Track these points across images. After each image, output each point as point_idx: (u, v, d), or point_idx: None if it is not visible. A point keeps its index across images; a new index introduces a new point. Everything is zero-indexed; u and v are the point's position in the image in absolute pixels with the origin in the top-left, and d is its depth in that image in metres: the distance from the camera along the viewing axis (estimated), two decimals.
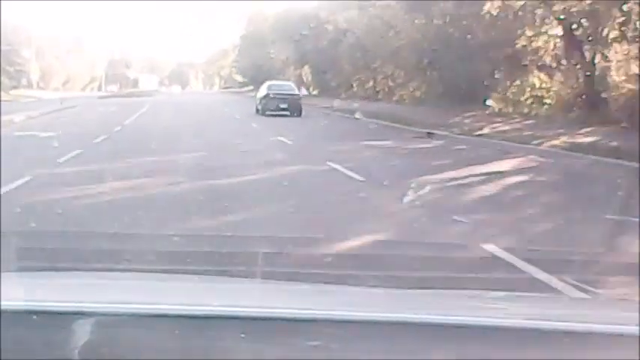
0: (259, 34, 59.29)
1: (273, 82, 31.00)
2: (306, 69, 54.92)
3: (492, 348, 1.15)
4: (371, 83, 41.10)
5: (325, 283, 3.02)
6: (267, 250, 5.35)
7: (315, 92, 51.48)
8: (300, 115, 26.73)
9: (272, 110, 26.63)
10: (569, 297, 1.87)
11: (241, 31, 67.63)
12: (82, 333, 1.13)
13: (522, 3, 20.98)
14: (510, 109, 23.77)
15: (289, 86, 30.12)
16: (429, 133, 18.74)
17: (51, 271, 2.82)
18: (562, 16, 19.51)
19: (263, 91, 29.10)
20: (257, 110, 28.14)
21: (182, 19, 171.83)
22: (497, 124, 20.09)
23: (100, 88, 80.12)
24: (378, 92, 38.61)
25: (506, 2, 21.25)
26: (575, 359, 1.14)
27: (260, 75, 51.98)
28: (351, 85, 43.84)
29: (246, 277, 3.17)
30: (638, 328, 1.18)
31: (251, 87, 68.51)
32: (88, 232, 6.18)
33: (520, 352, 1.15)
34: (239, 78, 77.21)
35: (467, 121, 21.74)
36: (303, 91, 46.68)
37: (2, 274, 1.67)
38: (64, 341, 1.12)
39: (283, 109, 26.56)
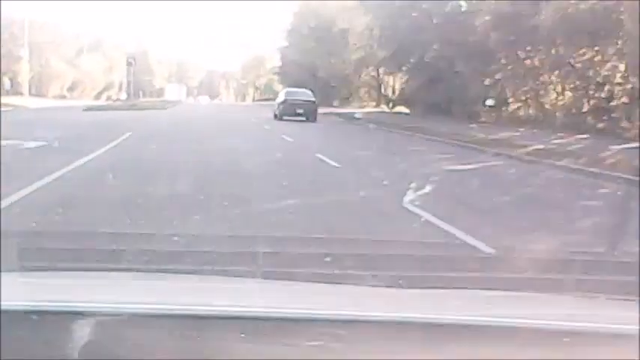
0: (316, 26, 44.75)
1: (291, 89, 34.31)
2: (391, 75, 39.72)
3: (492, 348, 1.15)
4: (569, 96, 21.09)
5: (325, 283, 3.02)
6: (267, 250, 5.35)
7: (406, 110, 35.30)
8: (314, 120, 28.84)
9: (289, 115, 28.67)
10: (569, 297, 1.87)
11: (287, 26, 53.09)
12: (82, 333, 1.12)
13: None
14: None
15: (306, 93, 32.05)
16: None
17: (51, 271, 2.82)
18: None
19: (281, 97, 31.55)
20: (275, 115, 30.16)
21: (215, 23, 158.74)
22: None
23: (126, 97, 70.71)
24: (601, 116, 18.58)
25: None
26: (575, 359, 1.14)
27: (313, 84, 38.08)
28: (505, 102, 24.19)
29: (246, 277, 3.17)
30: (638, 328, 1.18)
31: None
32: (88, 232, 6.17)
33: (520, 352, 1.15)
34: (280, 88, 64.04)
35: None
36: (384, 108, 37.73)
37: (2, 274, 1.67)
38: (64, 341, 1.12)
39: (299, 114, 28.71)
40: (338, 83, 44.99)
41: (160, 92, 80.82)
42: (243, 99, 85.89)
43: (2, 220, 5.74)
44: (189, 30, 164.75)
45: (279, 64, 60.34)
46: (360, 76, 45.60)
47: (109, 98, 68.20)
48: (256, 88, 80.00)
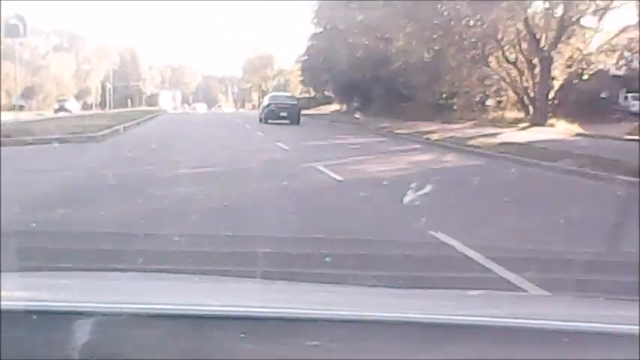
0: None
1: (275, 93, 36.48)
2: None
3: (492, 348, 1.16)
4: None
5: (325, 283, 3.03)
6: (267, 250, 5.36)
7: (577, 127, 21.06)
8: (298, 123, 30.09)
9: (273, 118, 30.23)
10: (569, 297, 1.88)
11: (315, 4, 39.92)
12: (82, 333, 1.13)
13: None
14: None
15: (289, 97, 34.58)
16: None
17: (51, 271, 2.82)
18: None
19: (265, 101, 33.22)
20: (260, 119, 31.79)
21: (212, 22, 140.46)
22: None
23: (103, 104, 58.58)
24: None
25: None
26: (575, 359, 1.14)
27: (365, 87, 27.83)
28: None
29: (246, 277, 3.17)
30: (638, 328, 1.18)
31: (337, 107, 39.87)
32: (88, 232, 6.17)
33: (520, 352, 1.16)
34: (299, 91, 48.56)
35: None
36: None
37: (2, 274, 1.67)
38: (64, 341, 1.12)
39: (283, 118, 30.18)
40: (423, 84, 26.65)
41: (152, 100, 71.63)
42: (243, 106, 74.56)
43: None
44: (184, 31, 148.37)
45: (306, 56, 45.26)
46: (480, 67, 25.46)
47: (86, 106, 57.36)
48: (263, 93, 61.74)
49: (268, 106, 31.86)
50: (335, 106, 42.54)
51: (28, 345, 1.13)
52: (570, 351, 1.16)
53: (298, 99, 51.09)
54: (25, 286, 1.51)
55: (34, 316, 1.16)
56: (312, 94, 48.04)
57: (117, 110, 49.09)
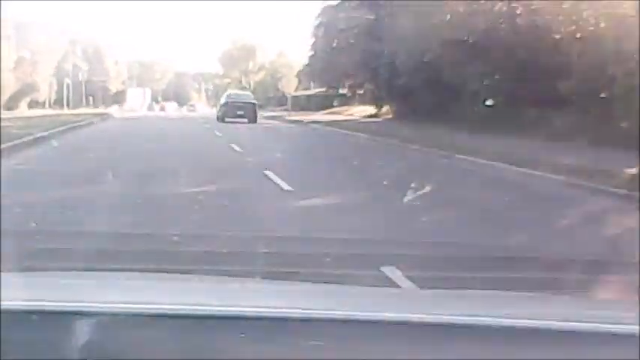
0: None
1: (233, 91, 37.76)
2: None
3: (492, 348, 1.16)
4: None
5: (325, 283, 3.03)
6: (267, 250, 5.36)
7: None
8: (255, 121, 30.36)
9: (230, 117, 30.71)
10: (569, 297, 1.88)
11: None
12: (82, 333, 1.13)
13: None
14: None
15: (247, 95, 35.34)
16: None
17: (51, 271, 2.82)
18: None
19: (223, 99, 34.04)
20: (217, 117, 32.45)
21: (185, 12, 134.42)
22: None
23: (60, 103, 50.42)
24: None
25: None
26: (575, 359, 1.14)
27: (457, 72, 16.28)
28: None
29: (246, 277, 3.17)
30: (638, 328, 1.18)
31: (372, 109, 30.10)
32: (88, 232, 6.18)
33: (520, 352, 1.16)
34: (294, 88, 42.08)
35: None
36: None
37: (2, 274, 1.67)
38: (64, 341, 1.12)
39: (240, 116, 30.70)
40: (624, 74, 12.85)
41: (119, 97, 65.09)
42: (216, 104, 57.17)
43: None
44: (155, 23, 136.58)
45: (312, 40, 38.29)
46: None
47: (42, 106, 48.09)
48: (243, 90, 50.28)
49: (225, 104, 32.49)
50: (365, 109, 31.83)
51: (28, 345, 1.13)
52: (570, 351, 1.16)
53: (295, 97, 47.05)
54: (25, 286, 1.51)
55: (34, 316, 1.16)
56: (312, 90, 40.62)
57: (55, 112, 40.86)
